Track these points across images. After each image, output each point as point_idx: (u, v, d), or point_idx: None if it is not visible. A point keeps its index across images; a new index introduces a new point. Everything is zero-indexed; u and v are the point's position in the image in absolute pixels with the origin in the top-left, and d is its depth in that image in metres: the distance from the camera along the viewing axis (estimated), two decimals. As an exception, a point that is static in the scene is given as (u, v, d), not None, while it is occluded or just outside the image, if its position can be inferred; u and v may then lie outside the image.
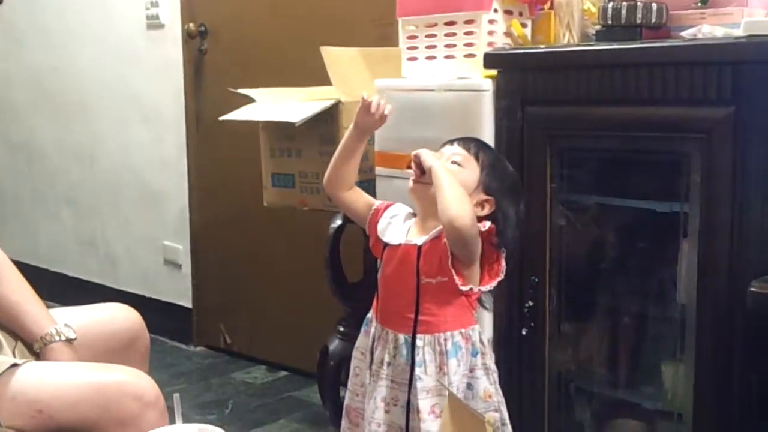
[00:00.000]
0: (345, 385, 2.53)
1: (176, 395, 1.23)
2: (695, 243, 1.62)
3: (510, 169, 1.66)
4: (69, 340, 1.54)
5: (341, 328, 2.44)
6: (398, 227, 1.65)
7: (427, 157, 1.56)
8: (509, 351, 1.86)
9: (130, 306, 1.75)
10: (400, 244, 1.61)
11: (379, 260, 1.67)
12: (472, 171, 1.59)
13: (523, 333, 1.84)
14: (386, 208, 1.70)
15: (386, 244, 1.63)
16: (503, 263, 1.57)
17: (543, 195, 1.81)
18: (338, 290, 2.35)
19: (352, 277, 2.37)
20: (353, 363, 1.69)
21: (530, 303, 1.82)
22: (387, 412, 1.57)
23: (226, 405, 2.89)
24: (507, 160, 1.79)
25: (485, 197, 1.59)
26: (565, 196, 1.84)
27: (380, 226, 1.66)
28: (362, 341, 1.68)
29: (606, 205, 1.89)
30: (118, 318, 1.70)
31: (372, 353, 1.62)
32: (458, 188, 1.51)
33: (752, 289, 1.48)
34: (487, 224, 1.55)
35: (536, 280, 1.82)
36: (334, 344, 2.43)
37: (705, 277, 1.59)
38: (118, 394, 1.40)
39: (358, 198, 1.73)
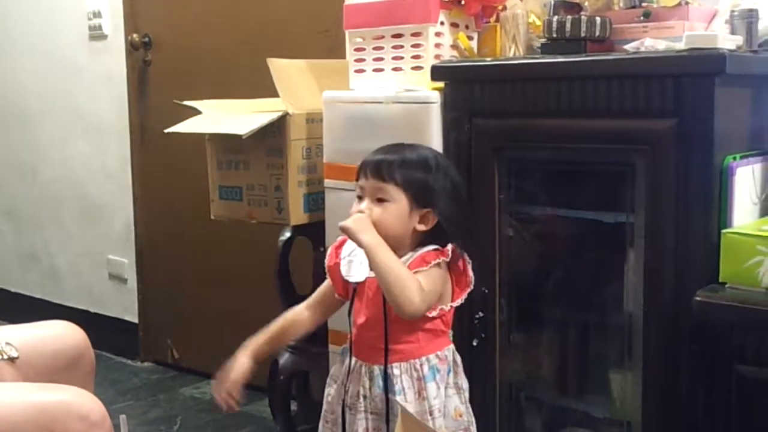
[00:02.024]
0: (296, 399, 2.53)
1: (122, 416, 1.21)
2: (641, 253, 1.64)
3: (424, 167, 1.54)
4: (11, 359, 1.50)
5: (291, 342, 2.42)
6: (360, 260, 1.58)
7: (360, 235, 1.47)
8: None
9: (75, 321, 1.72)
10: (366, 278, 1.56)
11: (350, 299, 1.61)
12: (398, 199, 1.52)
13: (474, 344, 1.84)
14: (337, 251, 1.63)
15: (356, 284, 1.58)
16: (470, 273, 1.56)
17: (491, 206, 1.82)
18: (288, 303, 2.31)
19: (301, 289, 2.36)
20: (326, 390, 1.66)
21: (480, 314, 1.83)
22: None
23: (174, 421, 2.84)
24: (455, 169, 1.79)
25: (423, 211, 1.53)
26: (513, 207, 1.86)
27: (343, 269, 1.60)
28: (337, 370, 1.65)
29: (553, 216, 1.91)
30: (62, 336, 1.67)
31: (343, 384, 1.60)
32: (398, 274, 1.45)
33: (697, 298, 1.50)
34: (449, 248, 1.53)
35: (486, 290, 1.82)
36: (284, 358, 2.41)
37: (651, 287, 1.62)
38: (63, 414, 1.37)
39: (319, 300, 1.68)
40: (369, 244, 1.47)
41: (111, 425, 1.41)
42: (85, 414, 1.37)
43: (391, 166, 1.53)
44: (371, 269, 1.50)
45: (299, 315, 1.69)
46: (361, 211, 1.52)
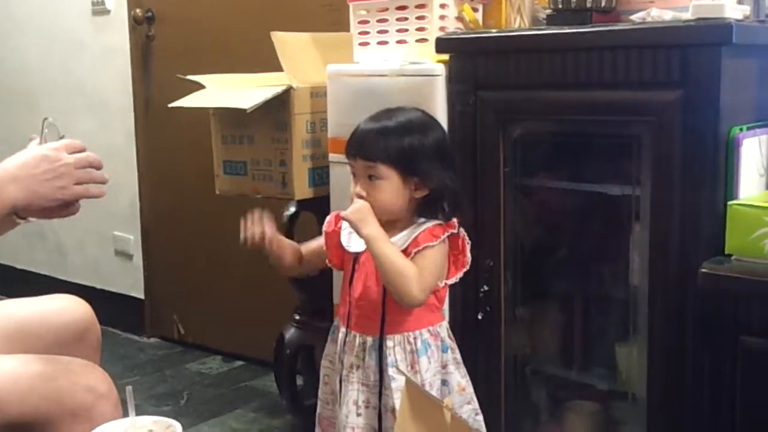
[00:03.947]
0: (301, 373, 2.54)
1: (129, 387, 1.21)
2: (647, 225, 1.64)
3: (404, 133, 1.51)
4: None
5: (297, 317, 2.43)
6: None
7: (360, 225, 1.48)
8: (465, 335, 1.85)
9: (81, 298, 1.72)
10: (366, 249, 1.54)
11: (350, 270, 1.60)
12: (388, 175, 1.50)
13: (479, 317, 1.85)
14: (337, 219, 1.61)
15: (357, 253, 1.57)
16: (468, 254, 1.55)
17: (496, 179, 1.82)
18: (293, 278, 2.34)
19: (306, 264, 2.36)
20: (322, 371, 1.66)
21: (485, 287, 1.83)
22: (359, 415, 1.55)
23: (181, 396, 2.86)
24: (460, 144, 1.79)
25: (415, 179, 1.52)
26: (518, 180, 1.85)
27: (344, 239, 1.60)
28: (330, 349, 1.65)
29: (559, 189, 1.90)
30: (68, 309, 1.67)
31: (340, 360, 1.60)
32: (397, 266, 1.46)
33: (703, 270, 1.50)
34: (454, 221, 1.52)
35: (491, 264, 1.82)
36: (290, 332, 2.42)
37: (656, 259, 1.61)
38: (70, 385, 1.37)
39: (311, 253, 1.65)
40: (368, 236, 1.48)
41: (118, 397, 1.41)
42: (92, 385, 1.38)
43: (374, 143, 1.51)
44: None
45: (297, 250, 1.66)
46: (360, 196, 1.51)
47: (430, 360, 1.54)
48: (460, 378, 1.58)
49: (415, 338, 1.53)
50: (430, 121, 1.58)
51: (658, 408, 1.65)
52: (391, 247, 1.48)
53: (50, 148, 1.42)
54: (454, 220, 1.53)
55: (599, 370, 1.89)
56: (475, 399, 1.60)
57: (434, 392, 1.53)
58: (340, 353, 1.60)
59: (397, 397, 1.51)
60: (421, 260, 1.49)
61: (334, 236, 1.61)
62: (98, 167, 1.48)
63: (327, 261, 1.64)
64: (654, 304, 1.63)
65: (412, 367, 1.53)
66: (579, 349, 1.96)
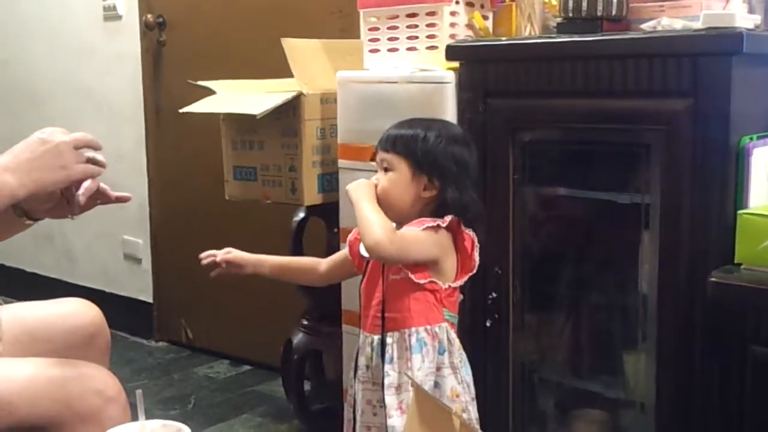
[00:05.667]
0: (309, 378, 2.54)
1: (138, 391, 1.22)
2: (656, 234, 1.63)
3: (426, 136, 1.58)
4: None
5: (305, 322, 2.43)
6: None
7: (352, 192, 1.58)
8: (473, 342, 1.85)
9: (90, 301, 1.72)
10: None
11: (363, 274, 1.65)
12: (400, 167, 1.57)
13: (487, 324, 1.84)
14: (358, 232, 1.64)
15: (368, 258, 1.61)
16: (476, 258, 1.56)
17: (505, 186, 1.82)
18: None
19: (315, 270, 2.36)
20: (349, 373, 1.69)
21: (494, 294, 1.83)
22: (375, 414, 1.57)
23: (188, 400, 2.87)
24: (465, 140, 1.78)
25: (424, 177, 1.57)
26: (527, 187, 1.85)
27: (361, 248, 1.62)
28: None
29: (568, 197, 1.90)
30: (78, 313, 1.67)
31: (356, 361, 1.62)
32: (371, 216, 1.52)
33: (712, 279, 1.49)
34: (448, 218, 1.54)
35: (499, 271, 1.82)
36: (298, 337, 2.43)
37: (665, 268, 1.61)
38: (79, 389, 1.38)
39: (334, 264, 1.75)
40: (355, 198, 1.56)
41: (126, 400, 1.42)
42: (101, 389, 1.38)
43: (395, 137, 1.60)
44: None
45: (314, 267, 1.78)
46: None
47: (424, 359, 1.53)
48: (455, 384, 1.56)
49: (410, 335, 1.54)
50: (460, 137, 1.62)
51: (666, 417, 1.65)
52: (372, 205, 1.54)
53: (44, 131, 1.41)
54: (448, 217, 1.54)
55: (607, 378, 1.89)
56: (472, 408, 1.59)
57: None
58: (356, 356, 1.62)
59: (389, 393, 1.53)
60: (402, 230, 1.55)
61: (356, 244, 1.65)
62: (96, 147, 1.47)
63: (354, 269, 1.69)
64: (663, 312, 1.63)
65: (405, 364, 1.53)
66: (587, 357, 1.96)
